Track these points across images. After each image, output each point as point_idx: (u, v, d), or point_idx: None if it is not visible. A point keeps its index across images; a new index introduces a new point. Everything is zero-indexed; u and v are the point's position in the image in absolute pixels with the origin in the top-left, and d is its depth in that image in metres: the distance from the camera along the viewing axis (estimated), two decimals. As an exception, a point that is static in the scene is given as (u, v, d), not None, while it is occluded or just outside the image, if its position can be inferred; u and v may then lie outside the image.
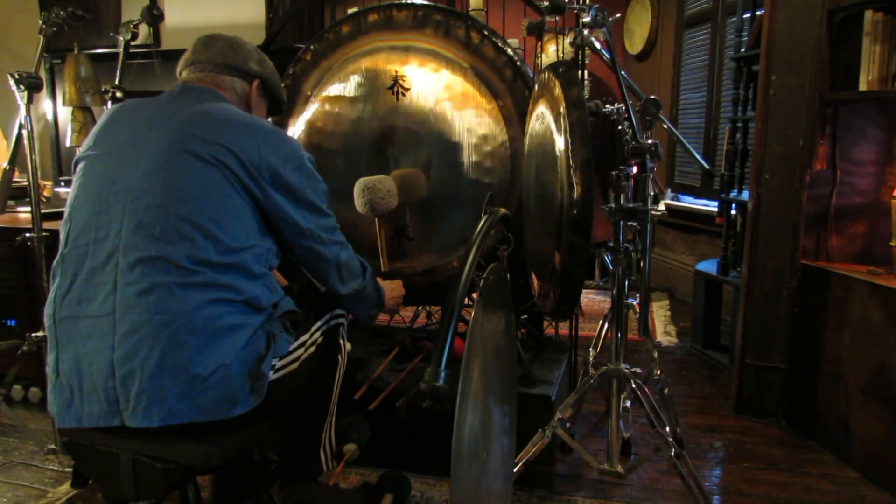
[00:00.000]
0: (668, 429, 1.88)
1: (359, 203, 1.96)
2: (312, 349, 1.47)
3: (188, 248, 1.21)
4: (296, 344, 1.41)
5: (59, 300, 1.26)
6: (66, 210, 1.32)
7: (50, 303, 1.28)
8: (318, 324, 1.51)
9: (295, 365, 1.40)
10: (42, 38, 2.13)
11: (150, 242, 1.21)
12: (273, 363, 1.32)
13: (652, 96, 1.91)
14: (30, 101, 2.01)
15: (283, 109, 1.67)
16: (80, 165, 1.35)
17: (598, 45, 2.14)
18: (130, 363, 1.18)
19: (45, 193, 3.16)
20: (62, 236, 1.30)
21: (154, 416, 1.18)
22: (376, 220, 2.00)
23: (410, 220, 2.17)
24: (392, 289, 1.76)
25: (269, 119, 1.69)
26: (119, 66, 2.33)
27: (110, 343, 1.19)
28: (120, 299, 1.20)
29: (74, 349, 1.23)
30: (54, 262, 1.30)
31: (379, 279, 1.66)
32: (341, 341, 1.61)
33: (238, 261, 1.27)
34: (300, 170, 1.38)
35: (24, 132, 2.04)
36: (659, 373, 2.14)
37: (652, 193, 1.75)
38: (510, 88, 2.10)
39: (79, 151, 1.38)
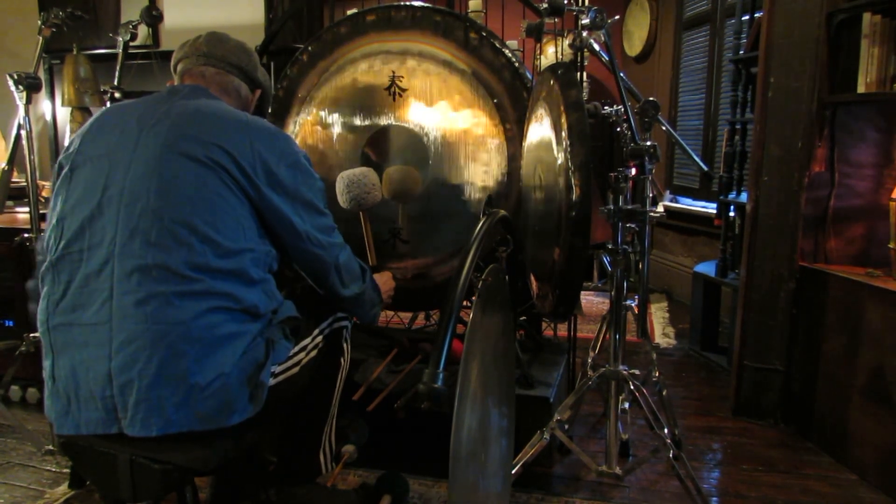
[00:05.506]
0: (666, 430, 1.88)
1: (344, 199, 1.91)
2: (314, 353, 1.46)
3: (185, 254, 1.19)
4: (297, 348, 1.39)
5: (52, 307, 1.24)
6: (54, 215, 1.28)
7: (42, 309, 1.26)
8: (321, 326, 1.50)
9: (295, 369, 1.38)
10: (41, 38, 2.13)
11: (146, 249, 1.19)
12: (272, 370, 1.30)
13: (651, 98, 1.92)
14: (28, 101, 2.01)
15: (264, 118, 1.68)
16: (66, 170, 1.30)
17: (596, 46, 2.14)
18: (128, 373, 1.17)
19: (44, 194, 3.15)
20: (51, 242, 1.26)
21: (153, 426, 1.17)
22: (361, 213, 1.96)
23: (405, 223, 2.17)
24: (384, 282, 1.73)
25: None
26: (118, 67, 2.33)
27: (107, 352, 1.18)
28: (117, 308, 1.18)
29: (70, 356, 1.21)
30: (42, 267, 1.27)
31: None
32: (344, 344, 1.59)
33: (237, 266, 1.25)
34: (295, 167, 1.36)
35: (23, 132, 2.04)
36: (657, 374, 2.14)
37: (650, 195, 1.75)
38: (509, 90, 2.10)
39: (62, 154, 1.33)
